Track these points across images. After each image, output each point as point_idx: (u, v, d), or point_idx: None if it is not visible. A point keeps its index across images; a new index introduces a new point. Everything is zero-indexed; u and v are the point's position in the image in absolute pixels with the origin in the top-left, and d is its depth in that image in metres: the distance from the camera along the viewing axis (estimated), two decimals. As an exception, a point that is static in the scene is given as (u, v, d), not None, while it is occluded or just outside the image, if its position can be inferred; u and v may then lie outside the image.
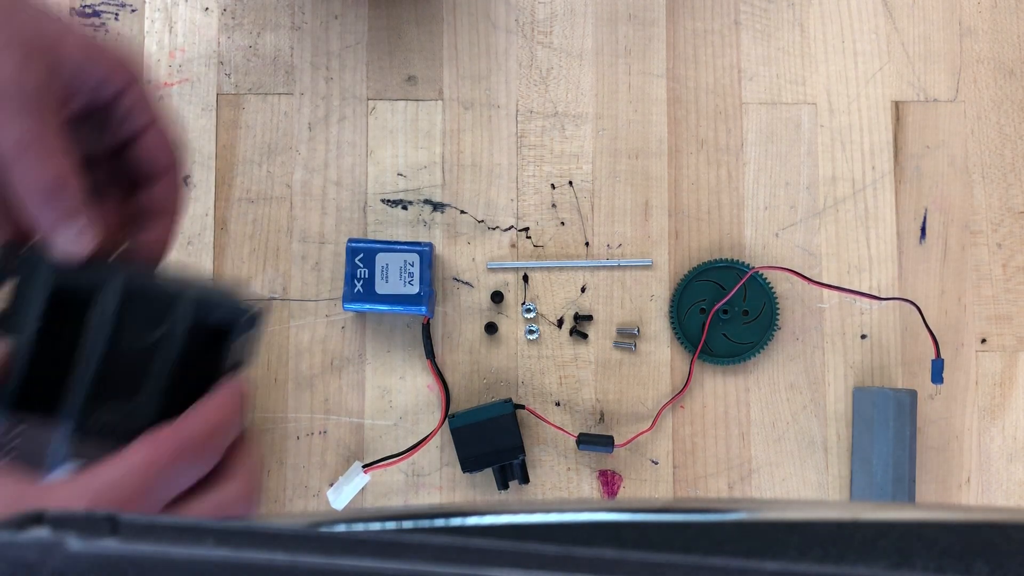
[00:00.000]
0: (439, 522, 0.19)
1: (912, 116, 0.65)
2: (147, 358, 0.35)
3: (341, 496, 0.60)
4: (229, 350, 0.35)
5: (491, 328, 0.63)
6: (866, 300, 0.63)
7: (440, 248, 0.63)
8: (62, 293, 0.34)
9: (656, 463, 0.62)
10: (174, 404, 0.33)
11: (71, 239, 0.34)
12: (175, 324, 0.34)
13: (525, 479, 0.61)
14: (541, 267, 0.63)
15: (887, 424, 0.58)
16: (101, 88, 0.36)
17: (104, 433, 0.34)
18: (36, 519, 0.14)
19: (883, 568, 0.17)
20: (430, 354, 0.61)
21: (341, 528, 0.18)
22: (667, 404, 0.62)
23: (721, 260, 0.63)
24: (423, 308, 0.59)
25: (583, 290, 0.63)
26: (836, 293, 0.63)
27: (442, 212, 0.63)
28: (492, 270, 0.63)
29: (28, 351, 0.34)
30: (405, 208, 0.63)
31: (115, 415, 0.35)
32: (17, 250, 0.35)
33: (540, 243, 0.63)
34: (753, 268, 0.62)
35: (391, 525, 0.19)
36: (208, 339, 0.35)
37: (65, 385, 0.34)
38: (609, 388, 0.63)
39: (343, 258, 0.62)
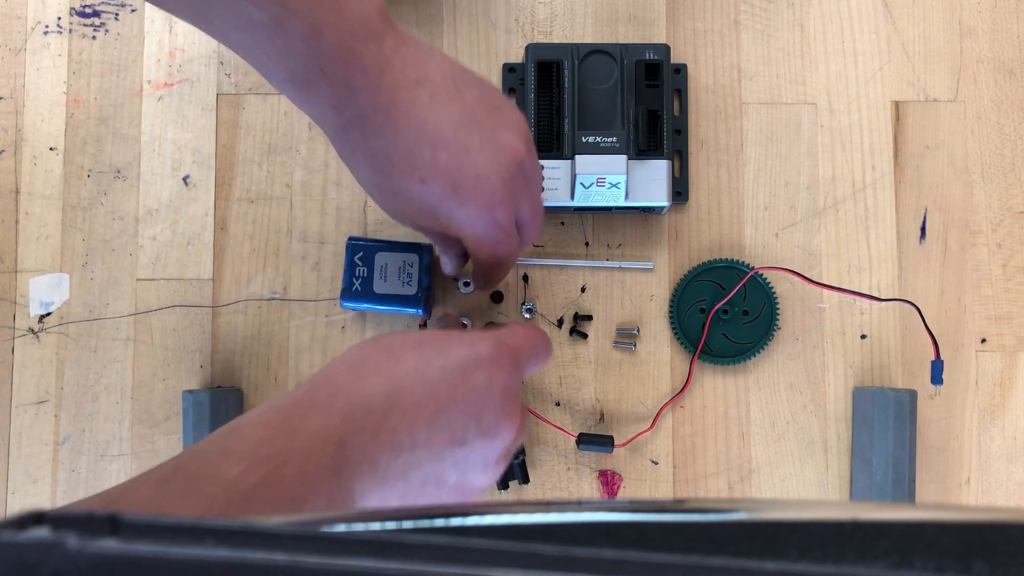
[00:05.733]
0: (439, 522, 0.19)
1: (912, 116, 0.65)
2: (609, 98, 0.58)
3: (341, 496, 0.60)
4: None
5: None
6: (866, 300, 0.63)
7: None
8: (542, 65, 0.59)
9: (656, 463, 0.62)
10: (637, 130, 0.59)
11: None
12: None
13: (525, 479, 0.61)
14: (541, 266, 0.63)
15: (887, 424, 0.58)
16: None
17: (589, 152, 0.58)
18: (36, 519, 0.14)
19: (883, 568, 0.17)
20: (430, 354, 0.61)
21: (341, 528, 0.18)
22: (667, 404, 0.62)
23: (721, 260, 0.63)
24: (420, 309, 0.59)
25: (583, 290, 0.63)
26: (836, 293, 0.63)
27: (442, 212, 0.63)
28: (492, 270, 0.63)
29: (533, 114, 0.59)
30: (405, 208, 0.63)
31: (596, 138, 0.57)
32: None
33: (540, 243, 0.63)
34: (753, 268, 0.62)
35: (391, 525, 0.19)
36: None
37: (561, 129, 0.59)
38: (609, 388, 0.63)
39: (343, 258, 0.62)
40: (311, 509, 0.34)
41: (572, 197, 0.59)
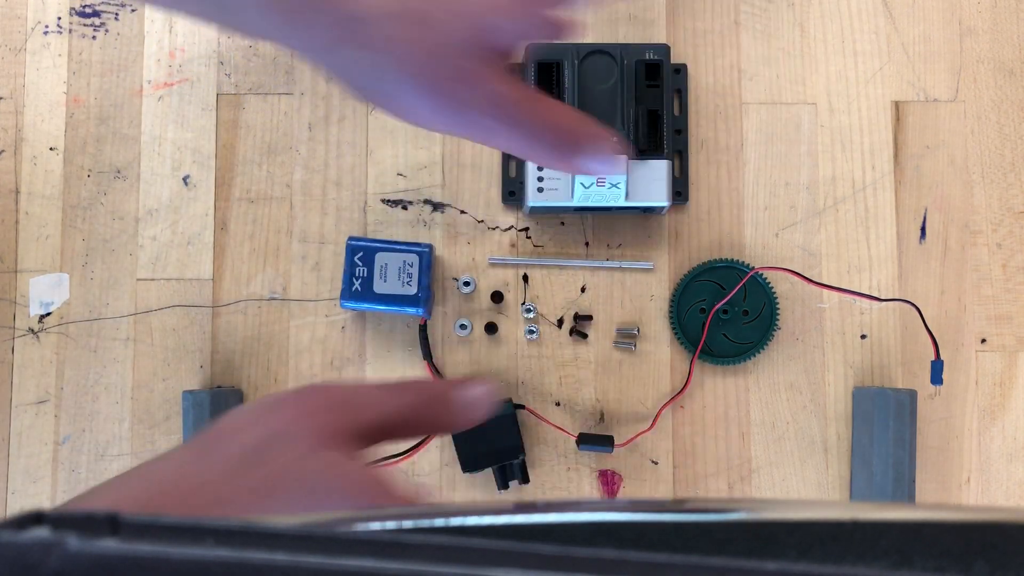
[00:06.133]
0: (439, 522, 0.19)
1: (912, 116, 0.65)
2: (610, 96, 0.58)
3: (341, 496, 0.60)
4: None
5: (491, 328, 0.63)
6: (866, 300, 0.63)
7: (440, 248, 0.63)
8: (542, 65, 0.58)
9: (656, 463, 0.62)
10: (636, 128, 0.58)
11: None
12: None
13: (525, 479, 0.61)
14: (541, 265, 0.63)
15: (887, 424, 0.58)
16: None
17: None
18: (36, 519, 0.14)
19: (883, 568, 0.17)
20: (427, 355, 0.61)
21: (341, 528, 0.18)
22: (667, 404, 0.62)
23: (721, 260, 0.63)
24: (420, 309, 0.59)
25: (583, 290, 0.63)
26: (836, 293, 0.63)
27: (442, 212, 0.63)
28: (493, 265, 0.63)
29: None
30: (405, 208, 0.63)
31: None
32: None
33: (540, 243, 0.63)
34: (753, 268, 0.62)
35: (391, 525, 0.19)
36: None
37: None
38: (609, 388, 0.63)
39: (343, 258, 0.62)
40: None
41: (572, 197, 0.59)
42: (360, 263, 0.59)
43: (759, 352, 0.62)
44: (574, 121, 0.39)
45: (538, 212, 0.63)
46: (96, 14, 0.64)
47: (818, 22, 0.65)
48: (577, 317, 0.63)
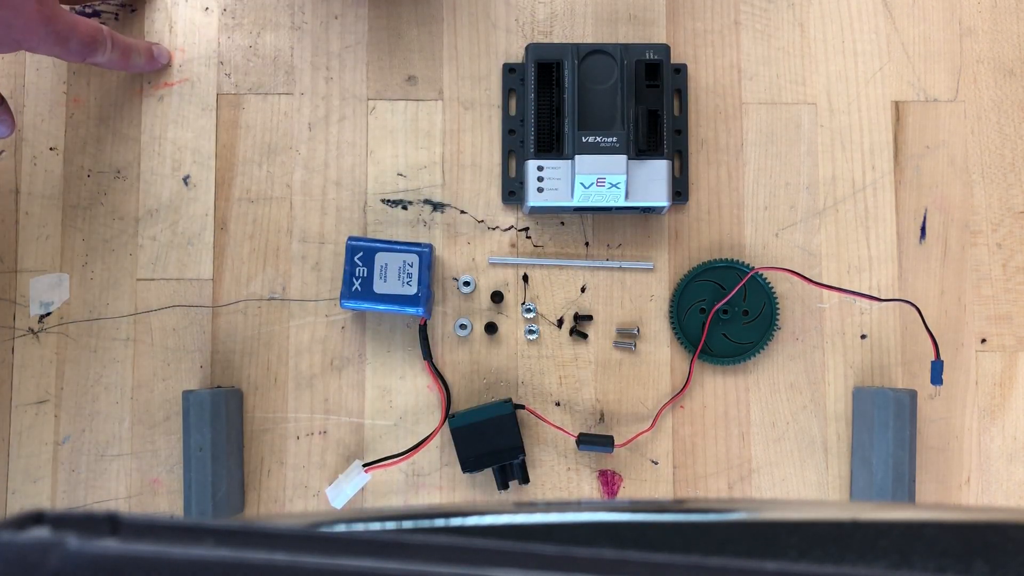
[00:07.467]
0: (439, 522, 0.19)
1: (912, 116, 0.65)
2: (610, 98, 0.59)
3: (341, 494, 0.60)
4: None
5: (491, 328, 0.63)
6: (866, 300, 0.63)
7: (440, 248, 0.63)
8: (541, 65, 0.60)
9: (656, 463, 0.63)
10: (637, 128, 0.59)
11: None
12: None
13: (525, 479, 0.61)
14: (541, 265, 0.63)
15: (887, 424, 0.58)
16: None
17: (589, 152, 0.58)
18: (36, 519, 0.14)
19: (883, 568, 0.17)
20: (427, 355, 0.61)
21: (341, 528, 0.19)
22: (667, 404, 0.62)
23: (721, 260, 0.63)
24: (420, 309, 0.59)
25: (583, 290, 0.63)
26: (836, 293, 0.63)
27: (442, 212, 0.63)
28: (493, 265, 0.63)
29: (534, 114, 0.59)
30: (405, 208, 0.63)
31: (596, 138, 0.57)
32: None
33: (540, 243, 0.63)
34: (753, 268, 0.62)
35: (391, 525, 0.19)
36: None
37: (561, 129, 0.59)
38: (609, 388, 0.63)
39: (343, 258, 0.62)
40: None
41: (572, 197, 0.59)
42: (360, 263, 0.59)
43: (759, 352, 0.62)
44: None
45: (538, 212, 0.63)
46: (96, 14, 0.64)
47: (818, 22, 0.65)
48: (577, 317, 0.63)
